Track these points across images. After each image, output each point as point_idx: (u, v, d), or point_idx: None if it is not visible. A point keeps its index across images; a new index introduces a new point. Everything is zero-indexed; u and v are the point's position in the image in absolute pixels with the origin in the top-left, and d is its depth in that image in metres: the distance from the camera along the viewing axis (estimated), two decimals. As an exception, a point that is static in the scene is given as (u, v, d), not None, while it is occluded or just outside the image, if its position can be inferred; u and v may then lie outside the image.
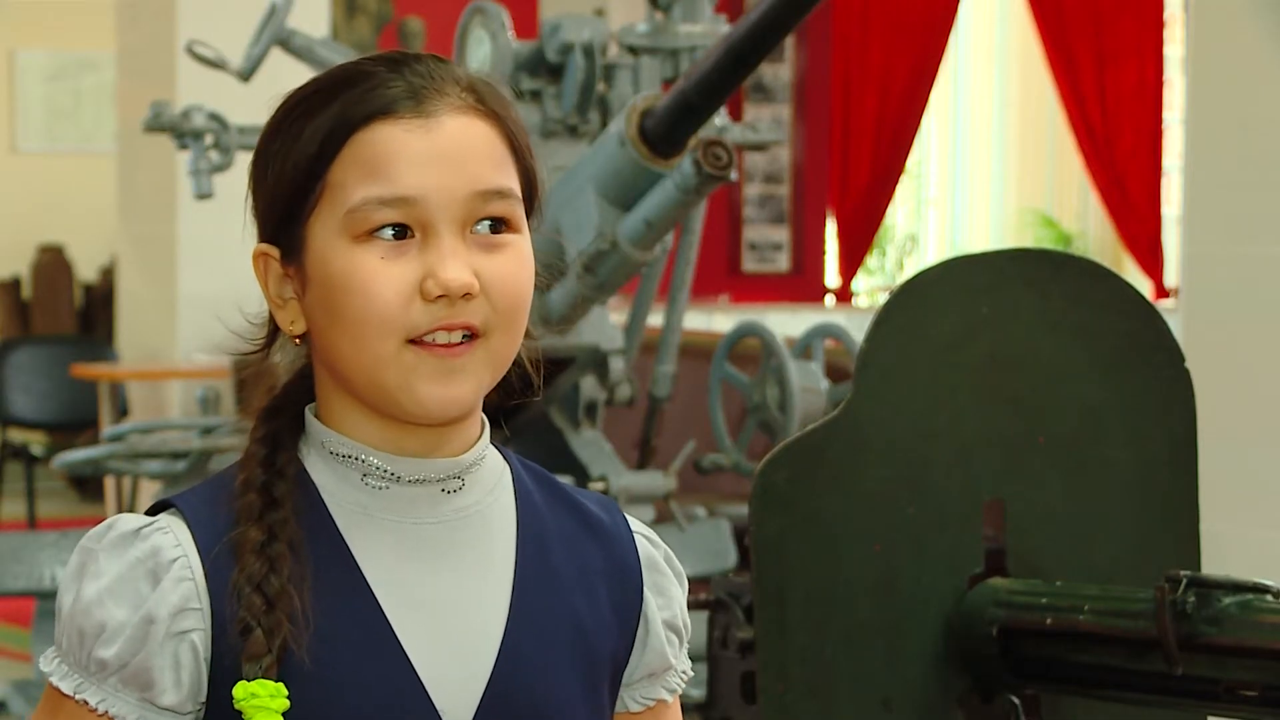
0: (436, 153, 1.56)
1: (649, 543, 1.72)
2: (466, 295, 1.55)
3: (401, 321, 1.55)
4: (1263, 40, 5.11)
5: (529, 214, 1.63)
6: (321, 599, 1.56)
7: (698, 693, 3.35)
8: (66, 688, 1.57)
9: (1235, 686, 2.35)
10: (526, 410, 4.59)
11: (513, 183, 1.60)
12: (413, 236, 1.56)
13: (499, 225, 1.58)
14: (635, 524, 1.72)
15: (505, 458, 1.68)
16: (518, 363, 1.64)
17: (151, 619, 1.55)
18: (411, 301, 1.55)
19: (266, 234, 1.62)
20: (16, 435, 10.70)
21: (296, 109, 1.60)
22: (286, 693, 1.53)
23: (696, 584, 4.57)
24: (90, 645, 1.56)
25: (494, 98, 1.61)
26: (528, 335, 1.64)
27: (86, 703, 1.56)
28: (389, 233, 1.55)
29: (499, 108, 1.61)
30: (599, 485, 4.67)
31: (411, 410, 1.57)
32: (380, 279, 1.55)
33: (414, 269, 1.55)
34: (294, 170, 1.58)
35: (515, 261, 1.59)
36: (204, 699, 1.57)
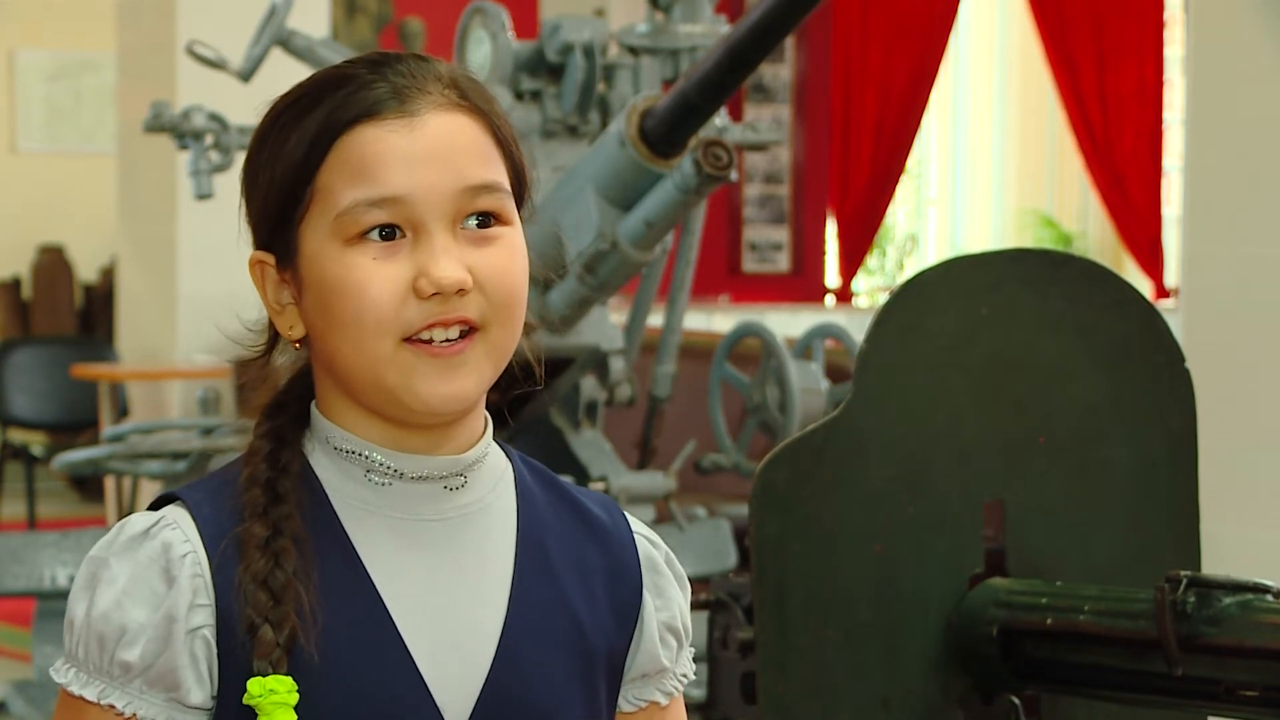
0: (422, 151, 1.56)
1: (650, 544, 1.72)
2: (460, 291, 1.55)
3: (397, 321, 1.55)
4: (1263, 40, 5.11)
5: (519, 206, 1.63)
6: (326, 594, 1.57)
7: (698, 693, 3.35)
8: (90, 694, 1.56)
9: (1235, 687, 2.35)
10: (528, 403, 4.59)
11: (501, 176, 1.60)
12: (404, 236, 1.56)
13: (489, 219, 1.58)
14: (636, 525, 1.72)
15: (508, 455, 1.68)
16: (518, 354, 1.65)
17: (173, 617, 1.56)
18: (405, 300, 1.55)
19: (261, 241, 1.62)
20: (16, 436, 10.70)
21: (282, 116, 1.60)
22: (297, 688, 1.54)
23: (696, 584, 4.56)
24: (112, 649, 1.56)
25: (477, 93, 1.61)
26: (528, 327, 1.64)
27: (113, 707, 1.56)
28: (379, 233, 1.56)
29: (483, 103, 1.60)
30: (599, 485, 4.67)
31: (414, 408, 1.57)
32: (374, 280, 1.55)
33: (406, 268, 1.55)
34: (283, 177, 1.58)
35: (507, 254, 1.59)
36: (215, 694, 1.57)
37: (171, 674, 1.56)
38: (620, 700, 1.70)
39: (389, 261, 1.55)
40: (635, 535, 1.71)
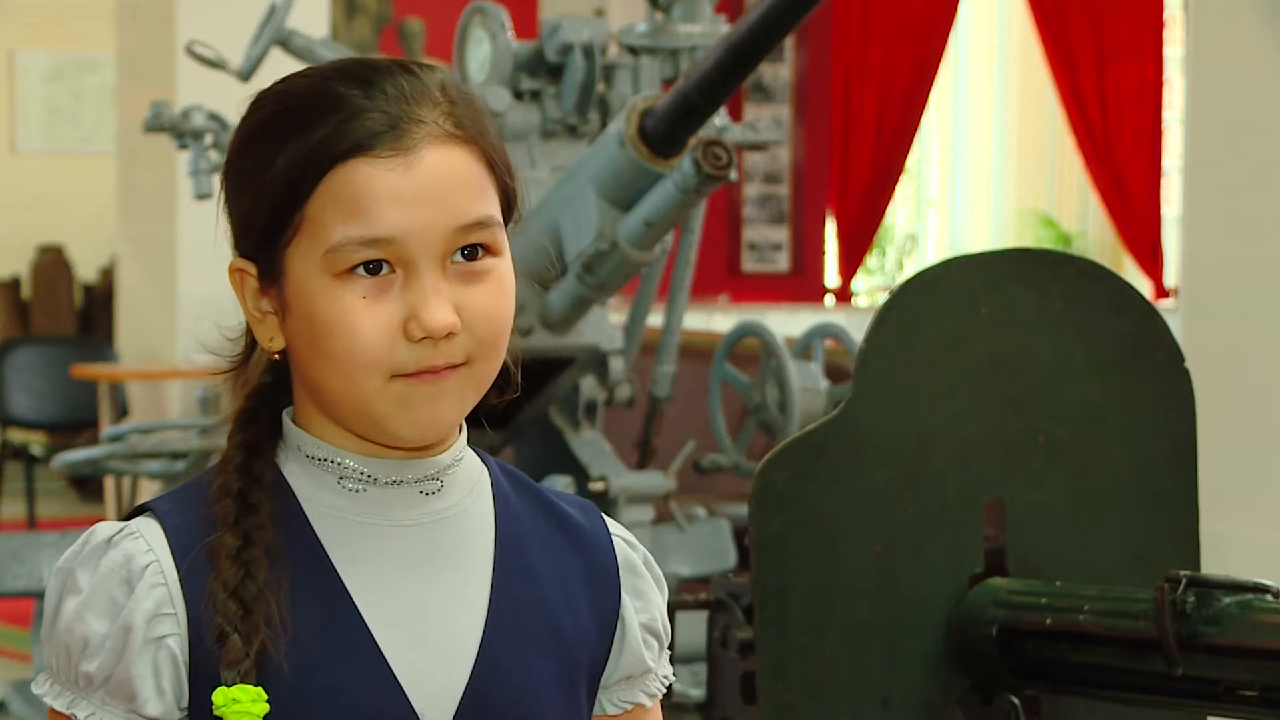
0: (416, 191, 1.54)
1: (628, 546, 1.71)
2: (449, 334, 1.55)
3: (387, 361, 1.55)
4: (1263, 40, 5.11)
5: (507, 222, 1.61)
6: (299, 604, 1.56)
7: (697, 693, 3.35)
8: (60, 706, 1.58)
9: (1235, 686, 2.35)
10: (525, 405, 4.59)
11: (493, 208, 1.58)
12: (393, 271, 1.55)
13: (478, 250, 1.57)
14: (615, 527, 1.72)
15: (484, 461, 1.68)
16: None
17: (129, 627, 1.55)
18: (395, 341, 1.54)
19: (243, 250, 1.61)
20: (16, 435, 10.70)
21: (268, 127, 1.58)
22: (266, 697, 1.53)
23: (696, 584, 4.57)
24: (76, 661, 1.56)
25: (471, 116, 1.58)
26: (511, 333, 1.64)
27: (75, 717, 1.57)
28: (368, 268, 1.54)
29: (475, 128, 1.58)
30: (599, 485, 4.66)
31: (399, 435, 1.57)
32: (364, 320, 1.54)
33: (396, 308, 1.54)
34: (270, 200, 1.56)
35: (496, 290, 1.58)
36: (185, 705, 1.57)
37: (128, 684, 1.55)
38: (604, 703, 1.70)
39: (379, 301, 1.54)
40: (613, 538, 1.71)
